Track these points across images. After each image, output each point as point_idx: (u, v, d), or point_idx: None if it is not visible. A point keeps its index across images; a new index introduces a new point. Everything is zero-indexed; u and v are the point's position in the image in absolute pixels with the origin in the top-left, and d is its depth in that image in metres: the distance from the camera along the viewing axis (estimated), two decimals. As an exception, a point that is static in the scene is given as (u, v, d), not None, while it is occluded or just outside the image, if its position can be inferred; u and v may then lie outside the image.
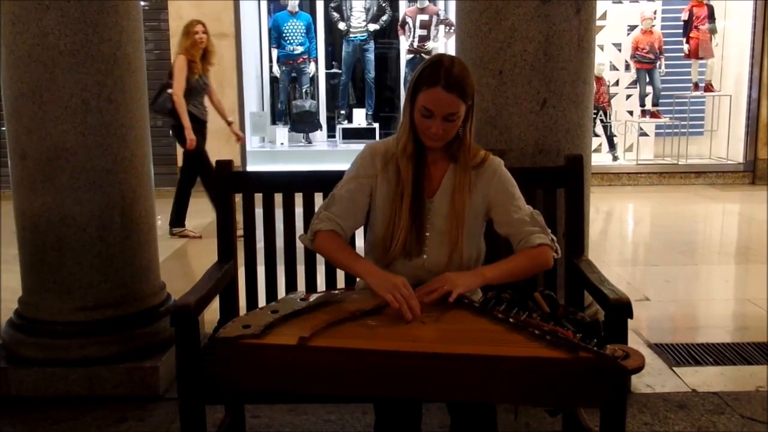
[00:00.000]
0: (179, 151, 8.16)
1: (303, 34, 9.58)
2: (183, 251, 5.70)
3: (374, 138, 9.39)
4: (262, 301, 2.45)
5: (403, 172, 2.07)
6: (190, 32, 5.66)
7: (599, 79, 8.57)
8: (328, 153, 9.72)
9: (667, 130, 9.16)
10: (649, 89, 9.10)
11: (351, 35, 9.88)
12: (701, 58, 8.95)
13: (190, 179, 6.02)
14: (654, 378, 3.14)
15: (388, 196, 2.09)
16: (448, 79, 1.95)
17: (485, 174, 2.11)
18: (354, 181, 2.11)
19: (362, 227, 2.23)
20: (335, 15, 9.85)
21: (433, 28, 9.45)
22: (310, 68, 9.85)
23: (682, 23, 8.95)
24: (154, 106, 5.62)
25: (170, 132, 6.01)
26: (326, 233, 2.08)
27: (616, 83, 9.21)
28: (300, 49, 9.59)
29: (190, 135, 5.65)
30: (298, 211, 2.46)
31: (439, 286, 1.90)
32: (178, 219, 6.08)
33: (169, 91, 5.64)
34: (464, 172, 2.08)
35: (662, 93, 9.15)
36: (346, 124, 10.13)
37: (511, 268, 2.05)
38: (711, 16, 8.80)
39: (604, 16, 8.70)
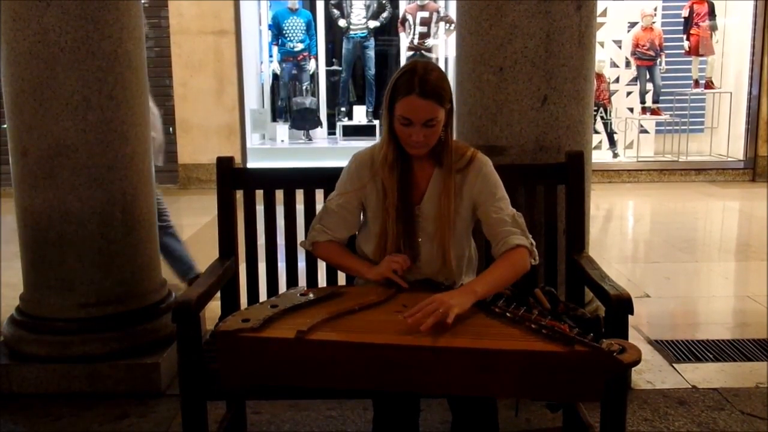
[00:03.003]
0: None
1: (303, 31, 9.57)
2: (184, 248, 5.69)
3: (374, 135, 9.39)
4: (263, 297, 2.45)
5: (386, 183, 2.09)
6: None
7: (599, 76, 8.56)
8: (329, 150, 9.71)
9: (667, 128, 9.16)
10: (649, 86, 9.09)
11: (351, 32, 9.88)
12: (701, 55, 8.95)
13: None
14: (654, 374, 3.14)
15: (378, 207, 2.12)
16: (423, 86, 1.95)
17: (470, 175, 2.12)
18: (343, 196, 2.18)
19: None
20: (335, 12, 9.85)
21: (433, 25, 9.45)
22: (311, 65, 9.85)
23: (682, 20, 8.95)
24: None
25: None
26: (324, 243, 2.21)
27: (617, 80, 9.19)
28: (300, 46, 9.58)
29: None
30: (299, 207, 2.47)
31: (433, 309, 1.78)
32: None
33: None
34: (449, 175, 2.09)
35: (662, 90, 9.14)
36: (346, 122, 10.13)
37: (497, 278, 2.01)
38: (711, 13, 8.80)
39: (604, 13, 8.69)
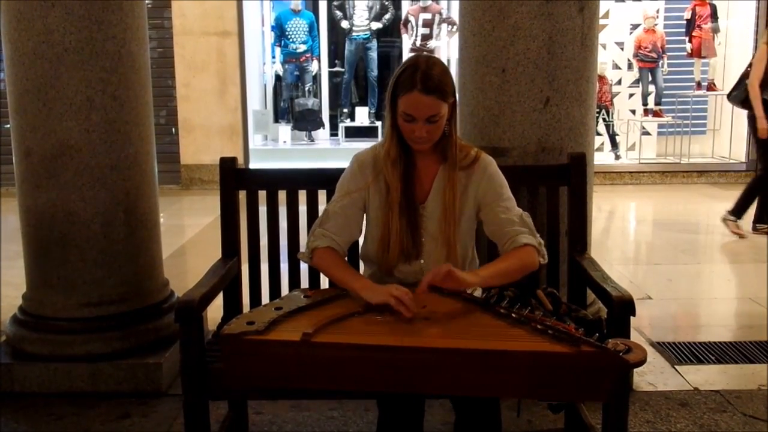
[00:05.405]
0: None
1: (306, 33, 9.58)
2: (187, 248, 5.71)
3: (377, 136, 9.40)
4: (265, 298, 2.46)
5: (388, 179, 2.06)
6: None
7: (602, 78, 8.55)
8: (331, 151, 9.72)
9: (669, 129, 9.15)
10: (651, 88, 9.09)
11: (354, 33, 9.89)
12: (704, 57, 8.94)
13: None
14: (656, 376, 3.14)
15: (381, 206, 2.10)
16: (426, 82, 1.94)
17: (475, 174, 2.11)
18: (346, 197, 2.12)
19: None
20: (338, 13, 9.86)
21: (435, 26, 9.46)
22: (313, 66, 9.86)
23: (684, 22, 8.95)
24: (731, 96, 5.74)
25: (747, 123, 5.92)
26: (323, 250, 2.09)
27: (619, 82, 9.19)
28: (303, 48, 9.59)
29: (762, 123, 5.55)
30: (302, 208, 2.47)
31: (437, 270, 1.86)
32: (764, 214, 5.89)
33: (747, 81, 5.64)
34: (453, 169, 2.08)
35: (665, 92, 9.14)
36: (348, 123, 10.12)
37: (503, 268, 2.01)
38: (714, 15, 8.79)
39: (606, 15, 8.69)
